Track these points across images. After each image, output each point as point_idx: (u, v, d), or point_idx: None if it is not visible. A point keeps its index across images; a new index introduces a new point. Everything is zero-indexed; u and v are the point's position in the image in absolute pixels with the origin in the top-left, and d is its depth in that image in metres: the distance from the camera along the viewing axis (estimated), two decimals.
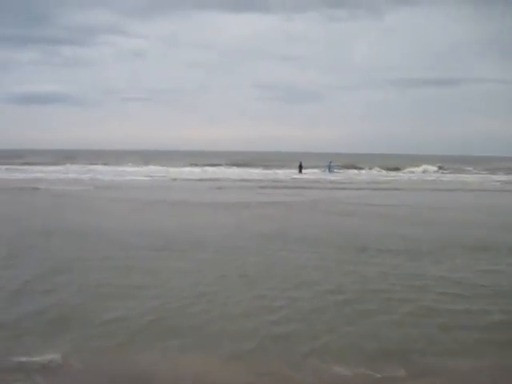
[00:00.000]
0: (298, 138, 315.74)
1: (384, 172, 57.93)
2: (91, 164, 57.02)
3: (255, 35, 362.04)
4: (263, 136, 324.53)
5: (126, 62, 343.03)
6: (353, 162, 68.00)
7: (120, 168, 53.06)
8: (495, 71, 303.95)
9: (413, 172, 58.51)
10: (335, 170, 56.48)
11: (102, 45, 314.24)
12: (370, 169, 61.24)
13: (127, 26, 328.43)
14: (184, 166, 58.98)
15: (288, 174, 51.37)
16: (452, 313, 7.45)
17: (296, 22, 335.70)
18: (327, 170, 55.71)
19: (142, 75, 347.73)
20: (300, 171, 53.44)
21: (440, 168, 63.85)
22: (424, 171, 60.02)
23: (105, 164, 58.11)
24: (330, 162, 58.73)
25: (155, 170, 50.73)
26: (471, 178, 48.97)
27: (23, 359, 5.63)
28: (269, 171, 55.60)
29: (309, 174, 51.35)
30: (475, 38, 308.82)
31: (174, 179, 39.19)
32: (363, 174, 54.02)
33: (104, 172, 46.43)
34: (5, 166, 50.72)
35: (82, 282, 8.77)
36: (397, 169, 61.40)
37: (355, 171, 58.21)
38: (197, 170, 55.42)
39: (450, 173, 58.34)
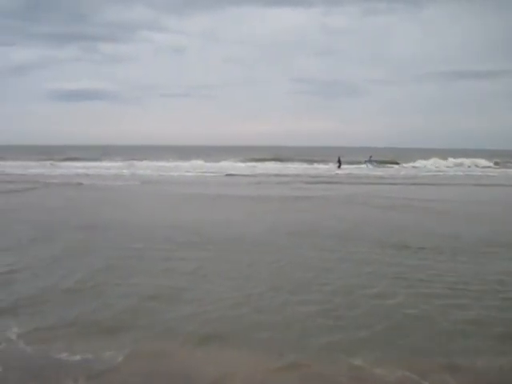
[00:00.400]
0: (336, 132, 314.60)
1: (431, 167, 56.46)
2: (131, 159, 57.44)
3: (292, 29, 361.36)
4: (300, 130, 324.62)
5: (165, 58, 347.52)
6: (393, 157, 66.86)
7: (160, 163, 53.51)
8: None
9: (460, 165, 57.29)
10: (375, 165, 55.69)
11: (140, 41, 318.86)
12: (414, 162, 59.90)
13: (166, 23, 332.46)
14: (224, 160, 58.91)
15: (329, 169, 51.11)
16: None
17: (334, 15, 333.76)
18: (368, 165, 55.09)
19: (180, 71, 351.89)
20: (339, 166, 52.99)
21: (496, 163, 61.75)
22: (470, 165, 58.27)
23: (144, 159, 58.46)
24: (371, 156, 58.02)
25: (198, 166, 51.11)
26: None
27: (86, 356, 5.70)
28: (309, 166, 55.33)
29: (349, 169, 50.77)
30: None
31: (227, 174, 39.35)
32: (410, 169, 53.04)
33: (145, 167, 47.06)
34: (48, 162, 51.93)
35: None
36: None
37: (397, 166, 57.23)
38: (240, 164, 55.80)
39: (500, 168, 56.80)
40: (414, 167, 56.83)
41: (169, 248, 11.15)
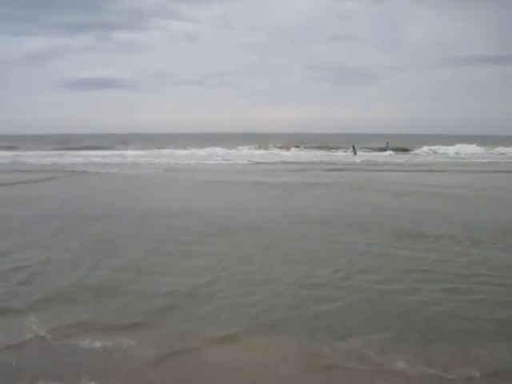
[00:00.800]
0: (350, 118, 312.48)
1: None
2: (150, 148, 57.50)
3: (306, 15, 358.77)
4: (315, 117, 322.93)
5: (178, 46, 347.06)
6: (411, 144, 66.21)
7: (179, 151, 53.68)
8: None
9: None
10: (390, 151, 55.27)
11: (154, 29, 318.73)
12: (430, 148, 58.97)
13: (179, 10, 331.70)
14: (241, 147, 59.01)
15: (346, 156, 50.95)
16: None
17: (347, 1, 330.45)
18: (385, 151, 54.83)
19: (194, 58, 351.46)
20: (355, 153, 52.82)
21: None
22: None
23: (161, 147, 58.50)
24: (387, 142, 57.74)
25: (217, 153, 51.34)
26: None
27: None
28: (326, 153, 55.27)
29: (365, 155, 50.50)
30: None
31: (250, 162, 39.28)
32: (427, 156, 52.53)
33: (163, 155, 47.08)
34: (66, 151, 52.17)
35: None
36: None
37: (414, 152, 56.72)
38: (261, 152, 56.07)
39: None
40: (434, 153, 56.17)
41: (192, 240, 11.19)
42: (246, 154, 51.73)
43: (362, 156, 49.26)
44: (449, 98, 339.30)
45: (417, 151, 57.71)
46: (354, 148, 54.75)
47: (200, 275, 8.52)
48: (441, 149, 58.35)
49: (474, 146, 59.52)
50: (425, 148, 58.48)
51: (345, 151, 56.45)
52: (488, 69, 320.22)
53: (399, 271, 8.70)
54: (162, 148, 58.17)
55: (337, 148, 60.24)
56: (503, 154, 53.58)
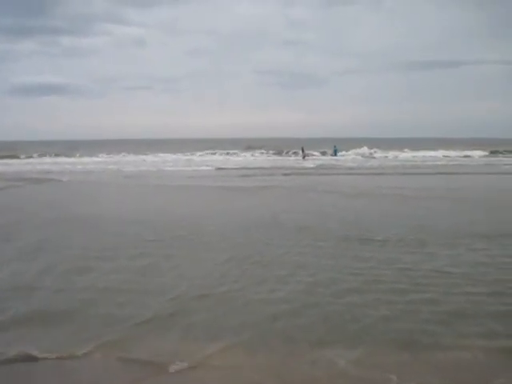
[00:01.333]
0: (301, 123, 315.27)
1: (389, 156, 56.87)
2: (93, 155, 56.43)
3: (255, 20, 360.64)
4: (266, 122, 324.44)
5: (126, 51, 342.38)
6: (357, 146, 67.34)
7: (131, 157, 53.11)
8: (494, 53, 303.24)
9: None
10: (339, 154, 56.44)
11: (101, 34, 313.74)
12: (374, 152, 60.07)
13: (125, 15, 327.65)
14: (191, 153, 58.80)
15: (295, 160, 51.55)
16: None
17: (295, 6, 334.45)
18: (333, 154, 55.95)
19: (143, 64, 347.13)
20: (303, 157, 53.57)
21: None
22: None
23: (110, 153, 57.68)
24: (335, 146, 58.76)
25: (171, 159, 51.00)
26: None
27: None
28: (278, 157, 56.03)
29: (313, 159, 51.58)
30: (474, 20, 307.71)
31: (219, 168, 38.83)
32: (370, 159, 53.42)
33: (113, 162, 46.38)
34: (24, 160, 50.58)
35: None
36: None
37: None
38: (215, 157, 55.74)
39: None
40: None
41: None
42: (198, 160, 51.63)
43: (312, 160, 49.94)
44: (395, 102, 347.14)
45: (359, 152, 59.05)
46: (303, 152, 55.53)
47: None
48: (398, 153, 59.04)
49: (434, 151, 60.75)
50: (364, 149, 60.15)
51: (295, 154, 57.38)
52: (432, 73, 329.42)
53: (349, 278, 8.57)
54: (110, 154, 57.39)
55: (287, 152, 60.90)
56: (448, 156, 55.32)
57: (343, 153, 57.39)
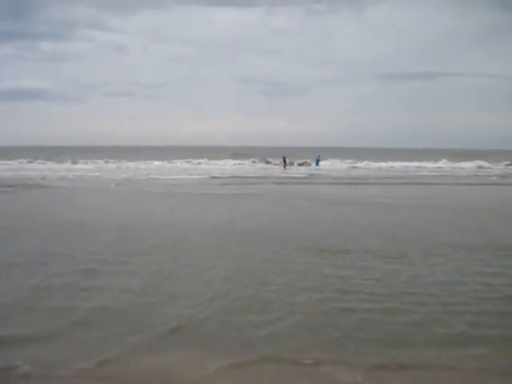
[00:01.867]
0: (283, 132, 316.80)
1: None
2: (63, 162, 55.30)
3: (237, 29, 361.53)
4: (249, 130, 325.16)
5: (108, 57, 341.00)
6: (339, 156, 67.78)
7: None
8: (474, 65, 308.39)
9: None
10: (320, 164, 56.69)
11: (82, 40, 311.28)
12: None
13: (107, 21, 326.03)
14: (176, 161, 58.35)
15: (277, 169, 51.54)
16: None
17: (277, 15, 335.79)
18: (314, 164, 56.10)
19: (124, 70, 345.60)
20: (284, 166, 53.69)
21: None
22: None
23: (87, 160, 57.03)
24: (318, 156, 58.92)
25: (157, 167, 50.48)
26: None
27: None
28: (260, 165, 56.28)
29: (296, 168, 51.76)
30: (455, 32, 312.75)
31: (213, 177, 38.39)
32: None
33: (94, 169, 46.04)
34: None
35: None
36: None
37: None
38: (198, 166, 54.95)
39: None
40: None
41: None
42: (181, 167, 51.62)
43: (295, 169, 50.19)
44: (377, 112, 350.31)
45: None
46: (284, 161, 55.64)
47: None
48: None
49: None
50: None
51: (276, 164, 57.44)
52: (413, 84, 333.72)
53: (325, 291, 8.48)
54: (94, 160, 56.78)
55: (269, 161, 60.87)
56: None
57: (323, 163, 57.54)
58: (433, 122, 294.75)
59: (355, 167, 55.77)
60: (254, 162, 60.15)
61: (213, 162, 59.59)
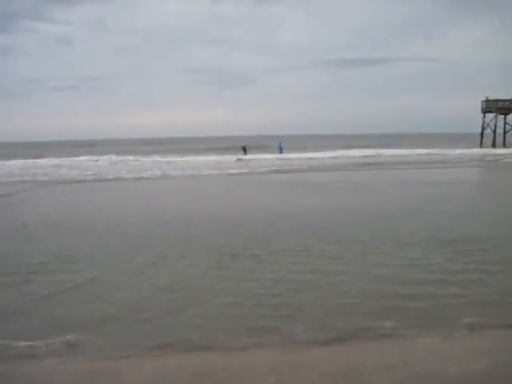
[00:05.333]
0: (232, 121, 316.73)
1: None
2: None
3: (182, 18, 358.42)
4: (196, 121, 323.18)
5: (52, 50, 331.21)
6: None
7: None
8: (418, 50, 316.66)
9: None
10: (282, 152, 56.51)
11: (23, 32, 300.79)
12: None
13: (50, 12, 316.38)
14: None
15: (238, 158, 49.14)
16: None
17: (224, 4, 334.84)
18: (278, 151, 56.06)
19: (69, 62, 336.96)
20: (245, 153, 53.57)
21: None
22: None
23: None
24: (280, 143, 58.96)
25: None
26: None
27: None
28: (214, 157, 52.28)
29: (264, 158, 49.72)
30: (400, 19, 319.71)
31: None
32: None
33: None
34: None
35: None
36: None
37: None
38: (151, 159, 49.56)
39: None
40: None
41: None
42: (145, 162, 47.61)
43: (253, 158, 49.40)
44: (325, 99, 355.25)
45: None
46: (244, 149, 55.35)
47: None
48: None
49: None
50: None
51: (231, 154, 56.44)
52: (361, 70, 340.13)
53: None
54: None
55: (224, 151, 59.91)
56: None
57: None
58: (380, 108, 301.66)
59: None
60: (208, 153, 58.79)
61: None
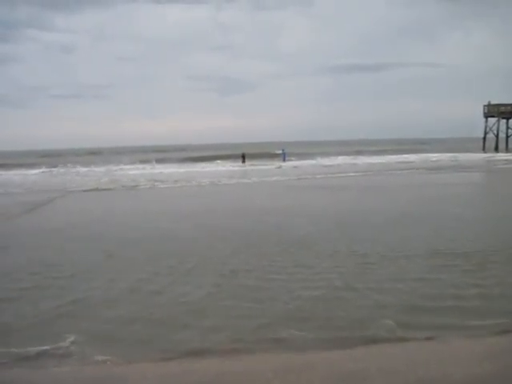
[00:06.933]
0: (235, 128, 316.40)
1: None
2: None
3: (185, 25, 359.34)
4: (200, 128, 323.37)
5: (54, 58, 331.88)
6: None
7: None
8: (420, 55, 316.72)
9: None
10: (287, 158, 56.41)
11: (25, 40, 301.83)
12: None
13: (52, 21, 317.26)
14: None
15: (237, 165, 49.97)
16: None
17: (226, 11, 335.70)
18: (282, 158, 55.87)
19: (71, 71, 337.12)
20: (243, 161, 53.36)
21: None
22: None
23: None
24: (283, 149, 58.76)
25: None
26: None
27: None
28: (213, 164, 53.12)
29: (255, 164, 50.61)
30: (402, 24, 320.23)
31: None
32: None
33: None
34: None
35: None
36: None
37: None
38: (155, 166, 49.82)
39: None
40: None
41: None
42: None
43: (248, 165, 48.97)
44: (328, 105, 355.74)
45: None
46: (243, 156, 55.19)
47: None
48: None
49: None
50: None
51: (234, 161, 56.43)
52: (362, 76, 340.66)
53: None
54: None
55: (226, 158, 59.89)
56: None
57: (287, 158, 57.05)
58: (382, 113, 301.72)
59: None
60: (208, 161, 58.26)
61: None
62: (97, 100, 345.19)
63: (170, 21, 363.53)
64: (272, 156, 60.45)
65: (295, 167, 44.28)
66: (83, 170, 46.93)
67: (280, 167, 44.81)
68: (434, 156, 55.41)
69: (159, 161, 55.63)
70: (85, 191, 27.19)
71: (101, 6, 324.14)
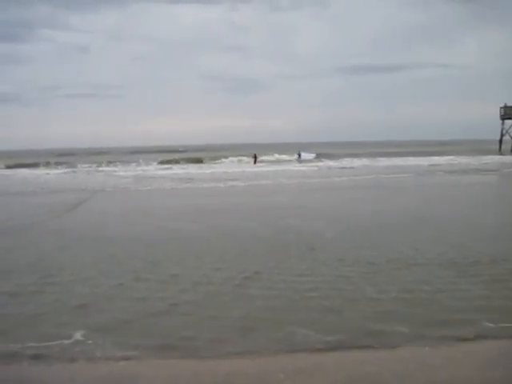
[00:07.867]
0: (248, 128, 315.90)
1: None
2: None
3: (200, 26, 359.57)
4: (213, 128, 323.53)
5: (69, 58, 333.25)
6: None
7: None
8: (435, 56, 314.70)
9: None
10: (302, 159, 57.31)
11: (41, 40, 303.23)
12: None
13: (67, 21, 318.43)
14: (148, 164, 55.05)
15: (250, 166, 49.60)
16: None
17: (240, 12, 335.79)
18: (297, 159, 56.60)
19: (86, 70, 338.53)
20: (255, 162, 53.88)
21: None
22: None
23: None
24: (299, 151, 59.34)
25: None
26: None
27: None
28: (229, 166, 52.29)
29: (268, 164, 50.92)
30: (415, 25, 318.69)
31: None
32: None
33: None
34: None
35: None
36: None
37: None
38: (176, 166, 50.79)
39: None
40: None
41: None
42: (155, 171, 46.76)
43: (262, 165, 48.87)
44: (340, 106, 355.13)
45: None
46: (255, 157, 55.56)
47: None
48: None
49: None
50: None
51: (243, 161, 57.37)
52: (376, 77, 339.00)
53: None
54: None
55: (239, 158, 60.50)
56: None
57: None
58: (394, 115, 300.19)
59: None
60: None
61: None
62: (111, 99, 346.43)
63: (184, 21, 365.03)
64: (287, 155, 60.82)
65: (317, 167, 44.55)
66: (107, 169, 47.97)
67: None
68: (456, 159, 54.15)
69: (186, 160, 56.71)
70: (119, 189, 27.66)
71: (115, 6, 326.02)
